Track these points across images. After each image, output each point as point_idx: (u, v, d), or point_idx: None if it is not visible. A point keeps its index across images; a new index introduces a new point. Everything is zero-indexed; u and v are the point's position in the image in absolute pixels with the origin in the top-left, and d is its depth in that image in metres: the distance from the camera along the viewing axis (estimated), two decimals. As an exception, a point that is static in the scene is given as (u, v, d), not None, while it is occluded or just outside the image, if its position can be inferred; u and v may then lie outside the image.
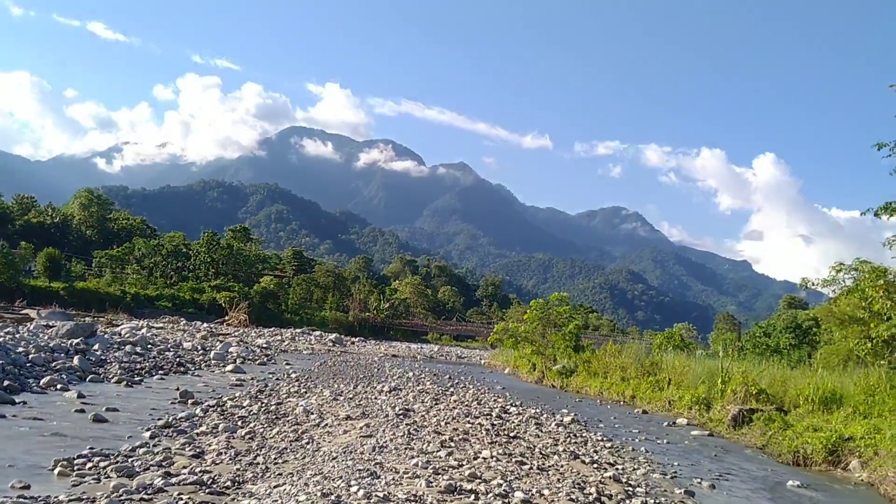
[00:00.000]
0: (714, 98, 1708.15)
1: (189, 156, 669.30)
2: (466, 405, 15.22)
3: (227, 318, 53.90)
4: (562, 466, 8.90)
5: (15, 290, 49.69)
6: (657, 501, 7.62)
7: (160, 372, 17.89)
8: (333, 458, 8.16)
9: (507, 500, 6.68)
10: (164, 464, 7.69)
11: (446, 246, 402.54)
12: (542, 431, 12.18)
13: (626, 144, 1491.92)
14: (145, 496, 6.39)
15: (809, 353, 27.84)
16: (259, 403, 13.07)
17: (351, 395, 15.26)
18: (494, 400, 17.24)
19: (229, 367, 20.85)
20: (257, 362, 24.99)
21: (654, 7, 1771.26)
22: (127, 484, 6.72)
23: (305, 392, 15.75)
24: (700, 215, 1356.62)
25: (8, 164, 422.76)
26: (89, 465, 7.51)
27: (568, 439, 11.51)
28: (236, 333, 40.85)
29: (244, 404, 12.92)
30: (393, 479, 7.15)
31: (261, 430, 10.25)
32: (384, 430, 10.33)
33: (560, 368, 26.79)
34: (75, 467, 7.37)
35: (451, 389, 19.40)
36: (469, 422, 12.19)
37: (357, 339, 59.49)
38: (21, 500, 6.16)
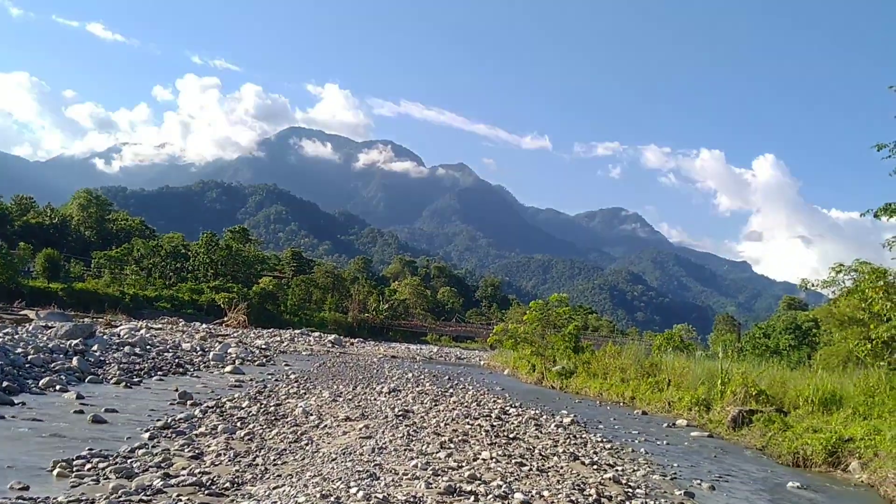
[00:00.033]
0: (713, 99, 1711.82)
1: (188, 156, 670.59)
2: (466, 406, 15.21)
3: (225, 319, 53.85)
4: (561, 468, 8.89)
5: (14, 290, 49.64)
6: (657, 503, 7.62)
7: (159, 373, 17.87)
8: (333, 460, 8.15)
9: (506, 502, 6.67)
10: (163, 465, 7.67)
11: (446, 247, 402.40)
12: (541, 433, 12.17)
13: (626, 145, 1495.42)
14: (144, 497, 6.37)
15: (809, 355, 27.84)
16: (258, 404, 13.05)
17: (350, 397, 15.25)
18: (494, 401, 17.23)
19: (228, 368, 20.83)
20: (256, 363, 24.97)
21: (654, 8, 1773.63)
22: (126, 485, 6.71)
23: (304, 393, 15.74)
24: (699, 216, 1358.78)
25: (7, 165, 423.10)
26: (88, 466, 7.49)
27: (568, 440, 11.50)
28: (235, 334, 40.80)
29: (243, 405, 12.90)
30: (392, 480, 7.14)
31: (260, 431, 10.23)
32: (383, 432, 10.32)
33: (560, 369, 26.79)
34: (74, 468, 7.35)
35: (451, 390, 19.39)
36: (468, 423, 12.18)
37: (356, 340, 59.46)
38: (20, 501, 6.14)
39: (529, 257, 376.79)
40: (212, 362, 22.42)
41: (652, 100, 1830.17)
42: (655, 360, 23.85)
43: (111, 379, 15.40)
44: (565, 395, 23.33)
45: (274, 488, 6.75)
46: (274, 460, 8.24)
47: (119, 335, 25.68)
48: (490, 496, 6.80)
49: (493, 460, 8.75)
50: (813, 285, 20.75)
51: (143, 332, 30.55)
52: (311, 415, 11.99)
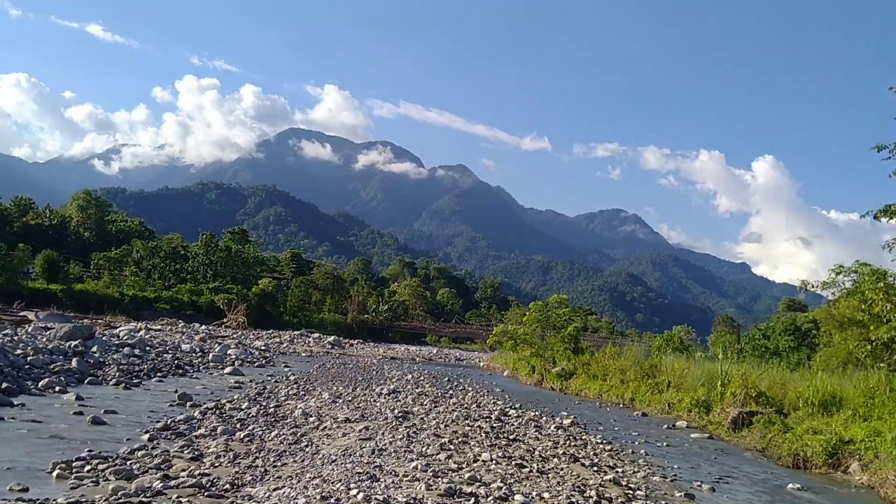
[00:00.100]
0: (713, 100, 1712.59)
1: (187, 158, 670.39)
2: (466, 408, 15.21)
3: (225, 320, 53.83)
4: (562, 469, 8.89)
5: (13, 291, 49.61)
6: (657, 504, 7.61)
7: (158, 374, 17.86)
8: (332, 461, 8.14)
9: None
10: (162, 466, 7.66)
11: (445, 248, 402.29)
12: (541, 434, 12.16)
13: (625, 146, 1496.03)
14: (144, 499, 6.36)
15: (809, 356, 27.83)
16: (258, 406, 13.04)
17: (350, 398, 15.24)
18: (494, 402, 17.23)
19: (228, 370, 20.82)
20: (256, 364, 24.96)
21: (653, 9, 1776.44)
22: (125, 487, 6.70)
23: (304, 394, 15.73)
24: (699, 217, 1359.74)
25: (6, 166, 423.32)
26: (88, 467, 7.48)
27: (567, 442, 11.49)
28: (235, 336, 40.79)
29: (243, 407, 12.88)
30: (392, 482, 7.13)
31: (259, 432, 10.21)
32: (383, 433, 10.32)
33: (559, 371, 26.79)
34: (74, 470, 7.34)
35: (451, 392, 19.39)
36: (468, 424, 12.18)
37: (356, 341, 59.44)
38: (20, 502, 6.14)
39: (529, 258, 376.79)
40: (211, 364, 22.41)
41: (651, 101, 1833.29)
42: (655, 362, 23.84)
43: (110, 380, 15.39)
44: (565, 397, 23.32)
45: (274, 490, 6.74)
46: (274, 462, 8.23)
47: (118, 336, 25.65)
48: (490, 498, 6.79)
49: (494, 462, 8.75)
50: (812, 287, 20.74)
51: (142, 333, 30.53)
52: (311, 416, 11.98)
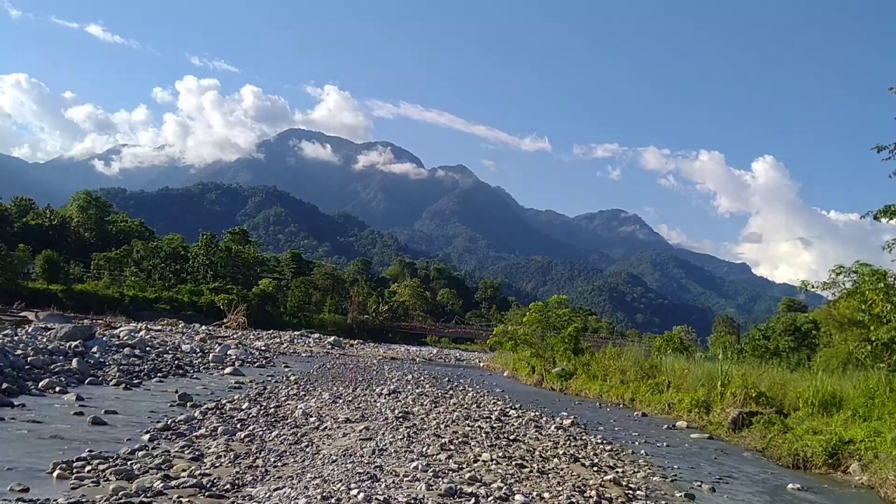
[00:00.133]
0: (712, 100, 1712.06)
1: (187, 158, 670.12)
2: (466, 408, 15.22)
3: (225, 320, 53.85)
4: (562, 469, 8.90)
5: (13, 292, 49.63)
6: (658, 504, 7.62)
7: (159, 374, 17.86)
8: (333, 461, 8.15)
9: (507, 504, 6.67)
10: (163, 467, 7.66)
11: (445, 248, 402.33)
12: (541, 434, 12.17)
13: (625, 147, 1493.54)
14: (144, 499, 6.36)
15: (809, 356, 27.86)
16: (258, 406, 13.05)
17: (350, 398, 15.25)
18: (494, 403, 17.24)
19: (228, 370, 20.83)
20: (256, 365, 24.97)
21: (653, 10, 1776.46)
22: (126, 487, 6.70)
23: (304, 395, 15.73)
24: (699, 218, 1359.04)
25: (6, 166, 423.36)
26: (88, 467, 7.48)
27: (568, 442, 11.50)
28: (235, 336, 40.81)
29: (243, 407, 12.89)
30: (393, 482, 7.14)
31: (260, 432, 10.22)
32: (384, 433, 10.32)
33: (559, 371, 26.80)
34: (74, 470, 7.34)
35: (451, 392, 19.40)
36: (469, 424, 12.19)
37: (356, 341, 59.47)
38: (20, 502, 6.14)
39: (529, 259, 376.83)
40: (211, 364, 22.41)
41: (651, 101, 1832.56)
42: (655, 362, 23.85)
43: (111, 381, 15.38)
44: (565, 397, 23.33)
45: (274, 490, 6.75)
46: (274, 462, 8.24)
47: (119, 337, 25.67)
48: (491, 498, 6.80)
49: (494, 462, 8.76)
50: (813, 287, 20.75)
51: (142, 333, 30.55)
52: (312, 416, 11.98)
